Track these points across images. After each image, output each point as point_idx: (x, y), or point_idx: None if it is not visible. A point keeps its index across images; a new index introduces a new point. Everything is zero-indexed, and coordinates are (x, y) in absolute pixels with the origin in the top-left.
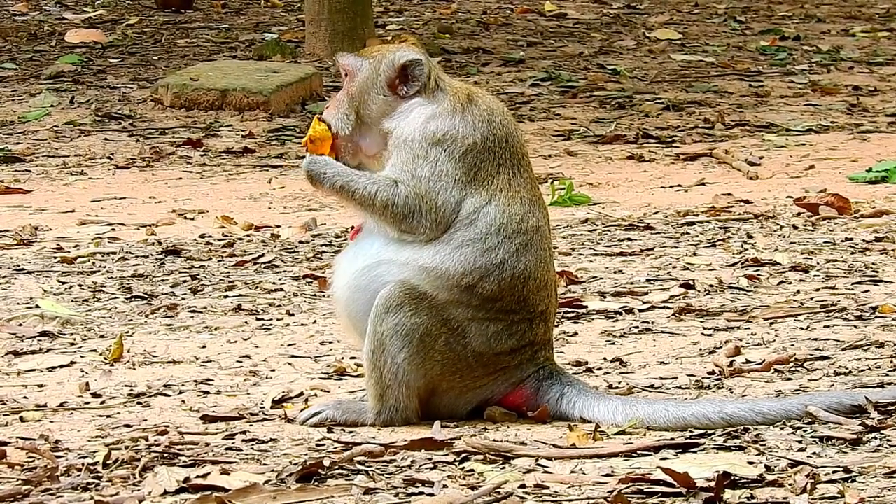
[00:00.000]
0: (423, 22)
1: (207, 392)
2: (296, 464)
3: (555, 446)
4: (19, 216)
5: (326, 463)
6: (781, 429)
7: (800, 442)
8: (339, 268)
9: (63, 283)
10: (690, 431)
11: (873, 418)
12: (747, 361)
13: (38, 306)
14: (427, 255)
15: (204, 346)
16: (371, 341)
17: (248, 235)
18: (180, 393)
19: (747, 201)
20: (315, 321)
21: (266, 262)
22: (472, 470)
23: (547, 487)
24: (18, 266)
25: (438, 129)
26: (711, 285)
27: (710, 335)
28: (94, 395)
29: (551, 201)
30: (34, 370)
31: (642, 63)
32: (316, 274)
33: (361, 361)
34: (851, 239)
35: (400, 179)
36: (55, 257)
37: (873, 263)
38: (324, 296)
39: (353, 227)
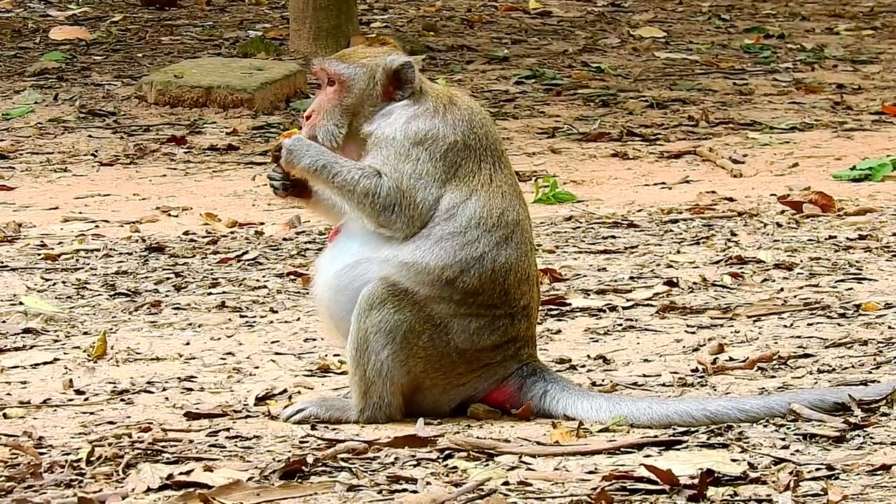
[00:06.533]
0: (408, 19)
1: (191, 389)
2: (279, 461)
3: (538, 443)
4: (3, 213)
5: (310, 460)
6: (765, 426)
7: (783, 439)
8: (320, 269)
9: (47, 279)
10: (674, 429)
11: (857, 416)
12: (731, 359)
13: (21, 303)
14: (407, 250)
15: (187, 343)
16: (354, 339)
17: (231, 233)
18: (164, 390)
19: (731, 199)
20: (299, 318)
21: (250, 260)
22: (455, 467)
23: (530, 484)
24: (2, 263)
25: (420, 129)
26: (695, 283)
27: (693, 333)
28: (78, 392)
29: (535, 199)
30: (18, 367)
31: (626, 61)
32: (299, 271)
33: (345, 359)
34: (835, 237)
35: (384, 171)
36: (39, 254)
37: (857, 261)
38: (307, 293)
39: (332, 229)
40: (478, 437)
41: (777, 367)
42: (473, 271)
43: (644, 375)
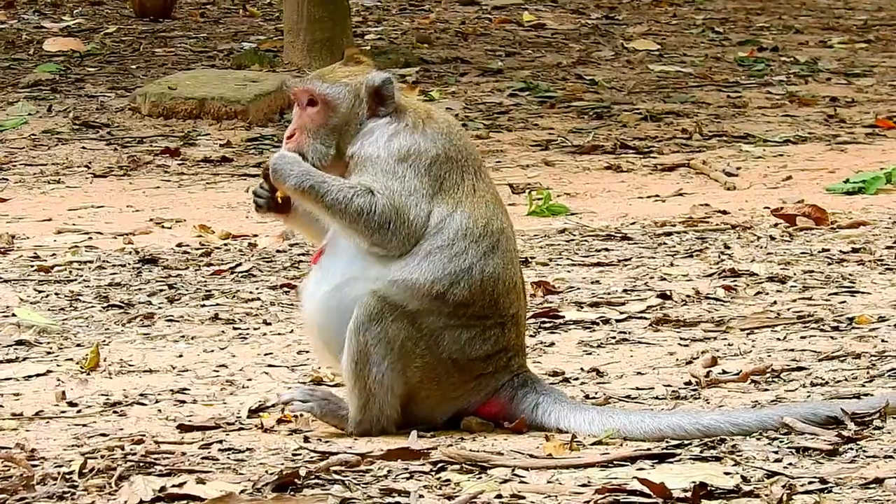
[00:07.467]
0: (402, 32)
1: (184, 401)
2: (272, 473)
3: (531, 456)
4: None
5: (303, 472)
6: (758, 439)
7: (776, 453)
8: (307, 291)
9: (40, 291)
10: (667, 442)
11: (850, 429)
12: (724, 372)
13: (14, 315)
14: (395, 268)
15: (180, 356)
16: (353, 353)
17: (225, 244)
18: (156, 402)
19: (725, 212)
20: (292, 330)
21: (243, 272)
22: (448, 480)
23: (523, 497)
24: None
25: (402, 145)
26: (688, 296)
27: (686, 346)
28: (71, 404)
29: (529, 211)
30: (10, 379)
31: (620, 73)
32: (293, 283)
33: (337, 373)
34: (828, 250)
35: (375, 188)
36: (32, 266)
37: (850, 274)
38: (300, 305)
39: (316, 251)
40: (471, 450)
41: (770, 380)
42: (463, 283)
43: (637, 388)
